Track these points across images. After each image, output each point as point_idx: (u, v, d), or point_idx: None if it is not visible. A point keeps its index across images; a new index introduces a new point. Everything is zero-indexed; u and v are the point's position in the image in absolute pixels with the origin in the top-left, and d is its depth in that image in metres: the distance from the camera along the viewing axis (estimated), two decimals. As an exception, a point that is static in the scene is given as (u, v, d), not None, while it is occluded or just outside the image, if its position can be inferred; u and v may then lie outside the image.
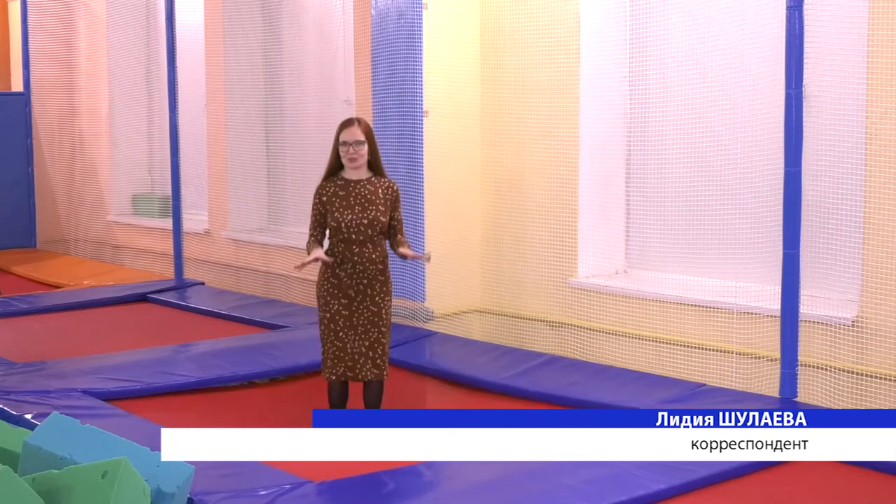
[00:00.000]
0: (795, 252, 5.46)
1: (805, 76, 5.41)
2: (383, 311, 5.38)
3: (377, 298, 5.36)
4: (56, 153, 12.03)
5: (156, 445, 4.20)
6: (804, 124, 5.43)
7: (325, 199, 5.35)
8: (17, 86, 12.77)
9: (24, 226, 12.06)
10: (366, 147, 5.32)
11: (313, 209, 5.40)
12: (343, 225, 5.28)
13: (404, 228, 5.55)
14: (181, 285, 9.49)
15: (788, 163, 5.43)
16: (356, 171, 5.36)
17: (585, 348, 6.81)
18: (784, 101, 5.42)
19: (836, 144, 5.58)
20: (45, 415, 4.57)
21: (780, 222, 5.53)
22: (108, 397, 5.84)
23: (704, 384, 5.91)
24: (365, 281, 5.32)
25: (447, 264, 7.42)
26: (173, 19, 9.57)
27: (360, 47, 8.11)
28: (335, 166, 5.40)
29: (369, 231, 5.30)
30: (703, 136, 6.43)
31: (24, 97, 12.05)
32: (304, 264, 5.27)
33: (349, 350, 5.33)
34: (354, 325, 5.33)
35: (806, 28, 5.37)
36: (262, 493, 4.25)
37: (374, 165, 5.41)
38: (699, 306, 6.28)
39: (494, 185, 7.51)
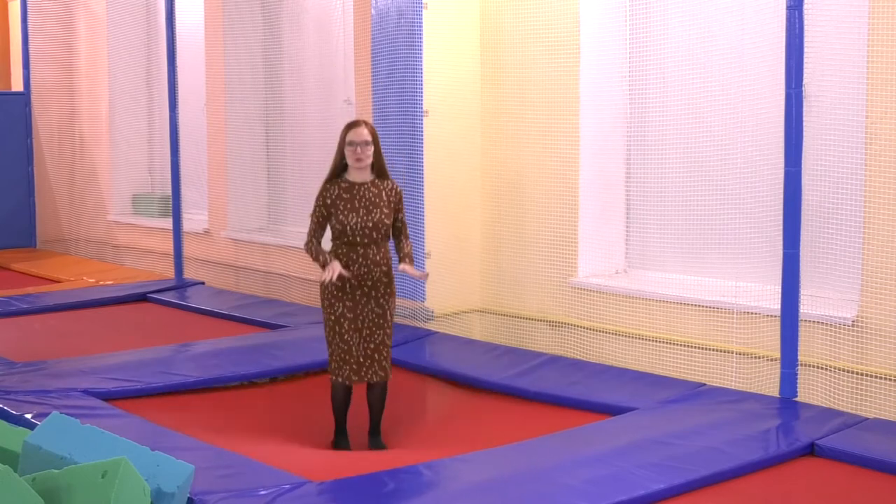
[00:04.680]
0: (795, 252, 5.46)
1: (805, 76, 5.41)
2: (388, 313, 5.39)
3: (381, 300, 5.36)
4: (56, 153, 12.04)
5: (156, 445, 4.21)
6: (804, 124, 5.43)
7: (328, 201, 5.34)
8: (17, 86, 12.77)
9: (24, 225, 12.05)
10: (372, 148, 5.32)
11: (316, 211, 5.39)
12: (348, 228, 5.28)
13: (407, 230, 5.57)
14: (181, 285, 9.48)
15: (788, 163, 5.43)
16: (360, 173, 5.36)
17: (586, 348, 6.82)
18: (784, 101, 5.42)
19: (836, 144, 5.58)
20: (45, 415, 4.57)
21: (780, 222, 5.53)
22: (108, 397, 5.83)
23: (704, 384, 5.91)
24: (370, 283, 5.33)
25: (447, 264, 7.42)
26: (173, 19, 9.57)
27: (360, 47, 8.12)
28: (339, 168, 5.40)
29: (374, 234, 5.30)
30: (703, 136, 6.44)
31: (24, 97, 12.05)
32: (328, 278, 5.23)
33: (354, 353, 5.33)
34: (359, 327, 5.33)
35: (806, 28, 5.36)
36: (262, 492, 4.25)
37: (377, 168, 5.41)
38: (699, 306, 6.28)
39: (494, 185, 7.51)
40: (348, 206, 5.30)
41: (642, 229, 7.00)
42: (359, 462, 4.95)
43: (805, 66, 5.39)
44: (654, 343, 6.47)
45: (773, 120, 5.80)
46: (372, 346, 5.34)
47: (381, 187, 5.37)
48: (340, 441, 5.41)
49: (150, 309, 8.81)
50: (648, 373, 6.24)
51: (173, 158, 9.65)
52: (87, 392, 5.81)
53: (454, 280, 7.49)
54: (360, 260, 5.30)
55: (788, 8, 5.37)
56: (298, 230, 9.25)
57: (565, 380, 6.09)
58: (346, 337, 5.32)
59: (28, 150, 12.06)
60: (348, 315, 5.32)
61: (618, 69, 6.95)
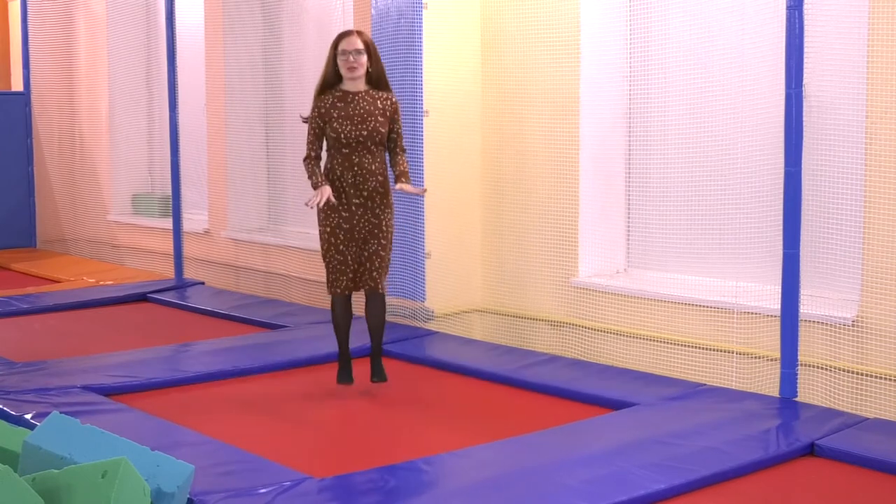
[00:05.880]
0: (795, 252, 5.46)
1: (805, 76, 5.41)
2: (383, 223, 5.36)
3: (377, 210, 5.34)
4: (56, 153, 12.04)
5: (156, 440, 4.21)
6: (804, 124, 5.43)
7: (323, 111, 5.34)
8: (17, 86, 12.77)
9: (24, 225, 12.05)
10: (365, 57, 5.31)
11: (311, 122, 5.39)
12: (342, 136, 5.27)
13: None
14: (181, 285, 9.49)
15: (788, 163, 5.43)
16: (354, 83, 5.35)
17: (586, 348, 6.82)
18: (784, 101, 5.42)
19: (836, 144, 5.58)
20: (45, 414, 4.57)
21: (780, 222, 5.53)
22: (109, 392, 5.84)
23: (704, 384, 5.92)
24: (365, 193, 5.31)
25: (448, 264, 7.42)
26: (173, 19, 9.57)
27: (360, 47, 8.11)
28: (330, 78, 5.38)
29: (368, 142, 5.30)
30: (703, 136, 6.44)
31: (24, 97, 12.04)
32: (314, 203, 5.24)
33: (350, 262, 5.31)
34: (355, 237, 5.32)
35: (806, 28, 5.37)
36: (263, 490, 4.25)
37: (372, 78, 5.39)
38: (699, 306, 6.28)
39: (495, 185, 7.51)
40: (342, 114, 5.30)
41: (643, 229, 7.00)
42: (360, 458, 4.95)
43: (805, 66, 5.39)
44: (655, 343, 6.47)
45: (773, 120, 5.80)
46: (366, 254, 5.33)
47: (377, 97, 5.37)
48: (343, 373, 5.38)
49: (151, 309, 8.81)
50: (649, 372, 6.24)
51: (173, 158, 9.65)
52: (86, 388, 5.82)
53: (454, 280, 7.50)
54: (356, 169, 5.29)
55: (788, 8, 5.37)
56: (299, 230, 9.26)
57: (565, 378, 6.09)
58: (341, 248, 5.31)
59: (28, 150, 12.06)
60: (344, 226, 5.31)
61: (618, 69, 6.95)
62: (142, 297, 9.09)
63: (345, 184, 5.28)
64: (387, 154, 5.48)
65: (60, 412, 4.00)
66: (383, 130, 5.32)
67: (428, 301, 7.39)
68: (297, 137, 9.28)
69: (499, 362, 6.47)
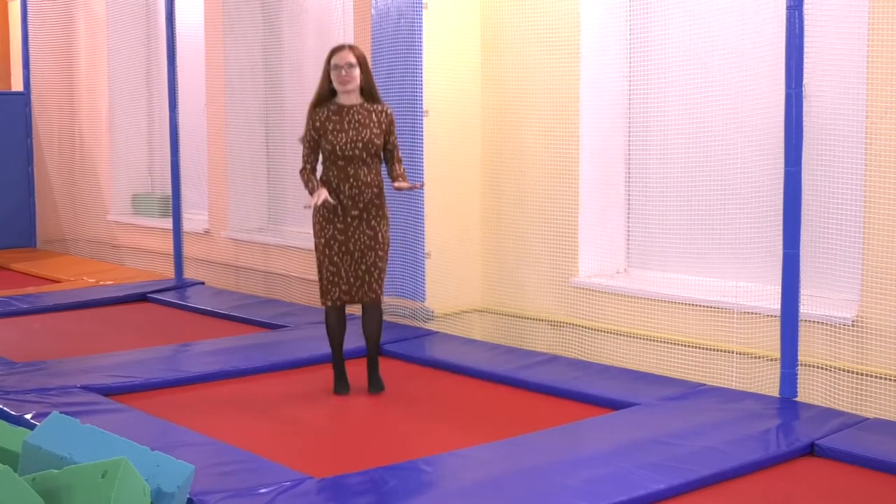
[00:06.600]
0: (795, 252, 5.46)
1: (805, 76, 5.41)
2: (379, 235, 5.39)
3: (373, 222, 5.37)
4: (56, 153, 12.04)
5: (156, 440, 4.21)
6: (804, 124, 5.43)
7: (318, 124, 5.38)
8: (17, 86, 12.77)
9: (24, 226, 12.06)
10: (357, 70, 5.36)
11: (307, 136, 5.44)
12: (338, 147, 5.31)
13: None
14: (181, 285, 9.49)
15: (788, 162, 5.43)
16: (349, 96, 5.40)
17: (586, 348, 6.82)
18: (784, 100, 5.42)
19: (836, 144, 5.58)
20: (45, 414, 4.58)
21: (780, 222, 5.54)
22: (108, 392, 5.85)
23: (704, 384, 5.92)
24: (361, 205, 5.34)
25: (448, 264, 7.42)
26: (173, 19, 9.57)
27: (359, 47, 8.10)
28: (325, 93, 5.43)
29: (364, 154, 5.33)
30: (703, 136, 6.44)
31: (24, 97, 12.05)
32: (312, 203, 5.28)
33: (343, 274, 5.34)
34: (350, 249, 5.34)
35: (806, 28, 5.37)
36: (263, 490, 4.25)
37: (366, 91, 5.44)
38: (699, 306, 6.28)
39: (494, 185, 7.51)
40: (337, 126, 5.35)
41: (643, 229, 7.00)
42: (359, 458, 4.95)
43: (805, 66, 5.39)
44: (655, 343, 6.47)
45: (773, 120, 5.80)
46: (363, 267, 5.35)
47: (371, 109, 5.42)
48: (339, 384, 5.41)
49: (151, 309, 8.81)
50: (649, 372, 6.24)
51: (173, 158, 9.65)
52: (86, 388, 5.82)
53: (454, 280, 7.50)
54: (351, 181, 5.33)
55: (788, 8, 5.37)
56: (298, 230, 9.26)
57: (565, 379, 6.09)
58: (335, 259, 5.33)
59: (28, 150, 12.06)
60: (339, 237, 5.34)
61: (618, 69, 6.95)
62: (142, 297, 9.09)
63: (341, 196, 5.32)
64: (384, 165, 5.51)
65: (60, 412, 4.01)
66: (378, 142, 5.37)
67: (428, 301, 7.39)
68: (297, 137, 9.28)
69: (498, 362, 6.47)
